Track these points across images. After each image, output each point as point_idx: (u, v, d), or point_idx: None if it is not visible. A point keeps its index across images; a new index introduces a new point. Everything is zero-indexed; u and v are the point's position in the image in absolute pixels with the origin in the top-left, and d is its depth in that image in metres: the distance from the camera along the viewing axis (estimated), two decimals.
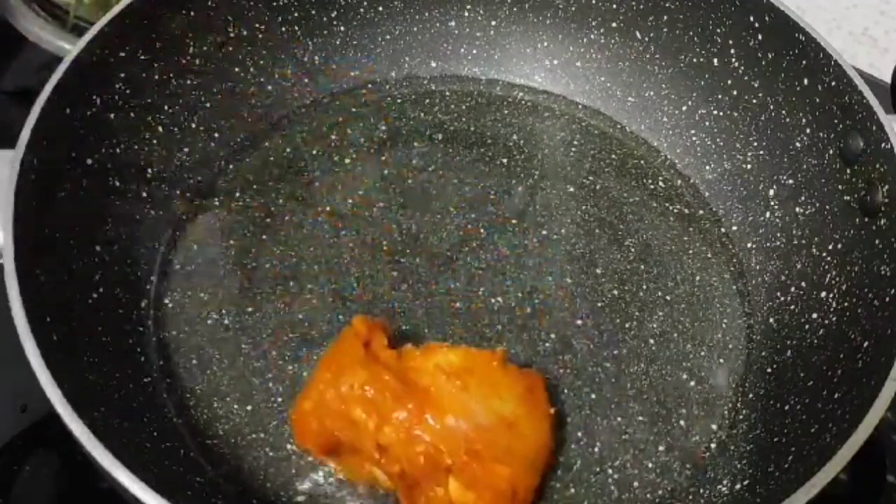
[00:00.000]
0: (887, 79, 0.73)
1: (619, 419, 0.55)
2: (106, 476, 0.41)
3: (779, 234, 0.62)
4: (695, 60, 0.68)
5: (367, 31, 0.72)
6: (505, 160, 0.69)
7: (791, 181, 0.62)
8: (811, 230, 0.60)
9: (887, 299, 0.50)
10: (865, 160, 0.55)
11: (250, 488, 0.51)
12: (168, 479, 0.48)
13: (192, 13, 0.63)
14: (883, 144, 0.53)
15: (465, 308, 0.60)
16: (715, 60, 0.67)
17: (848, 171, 0.57)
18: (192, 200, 0.64)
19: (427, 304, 0.60)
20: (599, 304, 0.61)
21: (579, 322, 0.60)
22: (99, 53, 0.57)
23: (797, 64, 0.60)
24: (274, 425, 0.54)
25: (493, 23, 0.74)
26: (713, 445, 0.55)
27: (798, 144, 0.61)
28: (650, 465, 0.54)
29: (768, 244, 0.63)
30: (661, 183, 0.68)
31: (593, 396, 0.56)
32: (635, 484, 0.53)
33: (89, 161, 0.56)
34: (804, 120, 0.61)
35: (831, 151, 0.58)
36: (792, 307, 0.59)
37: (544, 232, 0.64)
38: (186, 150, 0.65)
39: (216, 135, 0.67)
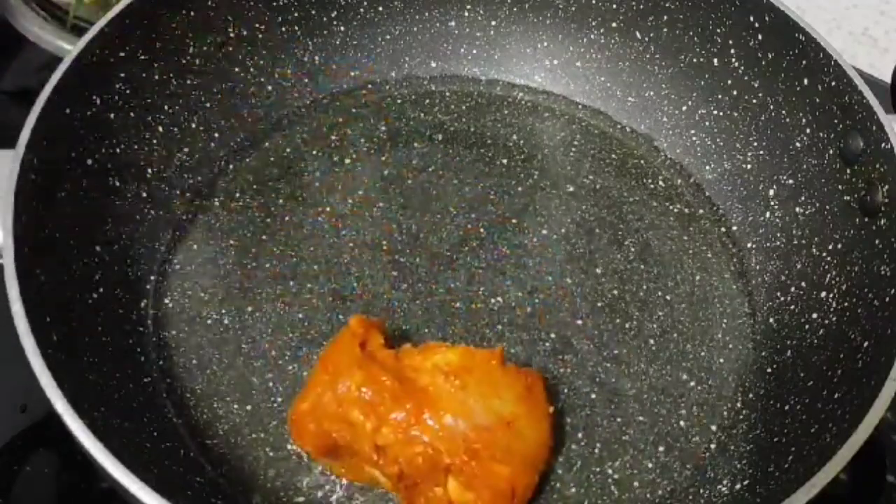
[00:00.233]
0: (887, 79, 0.73)
1: (619, 419, 0.55)
2: (106, 476, 0.41)
3: (779, 234, 0.62)
4: (695, 60, 0.68)
5: (367, 31, 0.72)
6: (505, 160, 0.69)
7: (791, 181, 0.62)
8: (811, 230, 0.60)
9: (887, 299, 0.50)
10: (865, 160, 0.55)
11: (250, 488, 0.51)
12: (168, 479, 0.48)
13: (192, 13, 0.63)
14: (883, 144, 0.53)
15: (465, 308, 0.60)
16: (715, 60, 0.67)
17: (848, 171, 0.57)
18: (192, 200, 0.64)
19: (427, 303, 0.60)
20: (599, 304, 0.61)
21: (579, 322, 0.60)
22: (99, 53, 0.57)
23: (797, 64, 0.60)
24: (274, 425, 0.54)
25: (493, 23, 0.74)
26: (713, 445, 0.55)
27: (798, 144, 0.61)
28: (650, 465, 0.54)
29: (768, 244, 0.63)
30: (661, 183, 0.68)
31: (593, 396, 0.56)
32: (635, 484, 0.53)
33: (89, 161, 0.56)
34: (804, 120, 0.61)
35: (831, 151, 0.58)
36: (792, 307, 0.59)
37: (544, 232, 0.64)
38: (186, 150, 0.65)
39: (216, 135, 0.67)
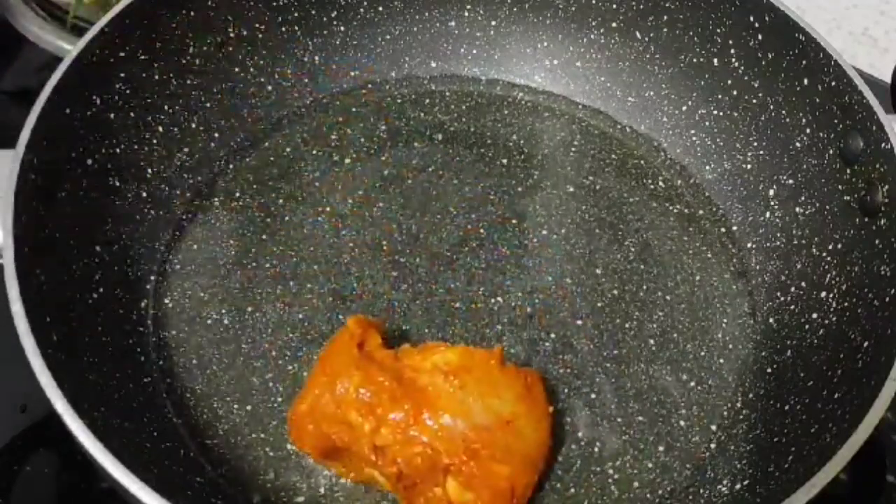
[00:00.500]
0: (887, 79, 0.73)
1: (619, 419, 0.55)
2: (106, 476, 0.41)
3: (779, 234, 0.62)
4: (695, 60, 0.68)
5: (367, 31, 0.72)
6: (505, 160, 0.69)
7: (791, 181, 0.62)
8: (811, 230, 0.60)
9: (887, 299, 0.50)
10: (865, 160, 0.55)
11: (250, 488, 0.51)
12: (168, 479, 0.48)
13: (192, 13, 0.63)
14: (883, 144, 0.53)
15: (465, 308, 0.60)
16: (715, 60, 0.67)
17: (848, 171, 0.57)
18: (192, 200, 0.64)
19: (427, 303, 0.60)
20: (599, 304, 0.61)
21: (579, 322, 0.60)
22: (99, 53, 0.57)
23: (797, 64, 0.60)
24: (274, 425, 0.54)
25: (493, 23, 0.74)
26: (713, 445, 0.55)
27: (798, 144, 0.61)
28: (650, 465, 0.54)
29: (768, 244, 0.63)
30: (661, 183, 0.68)
31: (593, 396, 0.56)
32: (635, 484, 0.53)
33: (89, 161, 0.56)
34: (804, 120, 0.61)
35: (831, 151, 0.58)
36: (792, 307, 0.59)
37: (544, 232, 0.64)
38: (186, 150, 0.65)
39: (216, 135, 0.67)
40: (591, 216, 0.66)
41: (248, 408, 0.55)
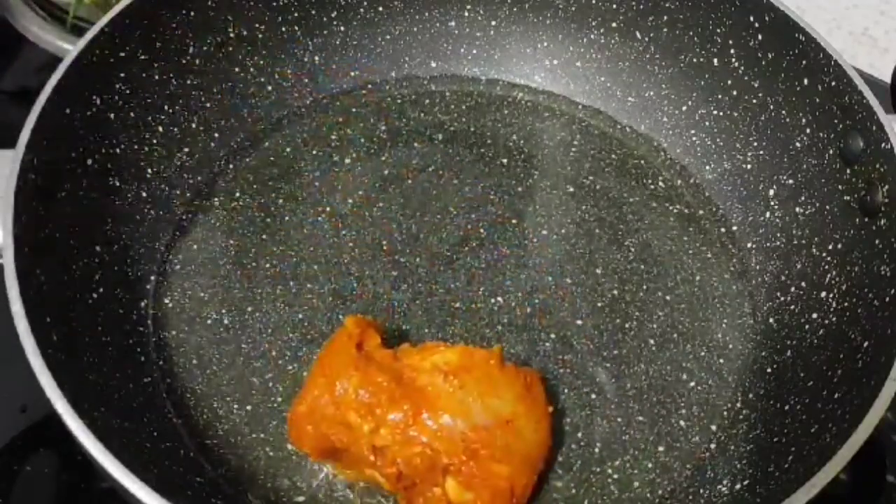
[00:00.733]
0: (887, 79, 0.73)
1: (619, 419, 0.55)
2: (106, 476, 0.41)
3: (779, 234, 0.62)
4: (695, 60, 0.68)
5: (367, 31, 0.72)
6: (505, 160, 0.69)
7: (791, 181, 0.62)
8: (811, 230, 0.60)
9: (887, 299, 0.50)
10: (865, 160, 0.55)
11: (250, 488, 0.51)
12: (168, 479, 0.48)
13: (192, 13, 0.63)
14: (883, 144, 0.53)
15: (465, 308, 0.60)
16: (715, 60, 0.67)
17: (848, 171, 0.57)
18: (192, 200, 0.64)
19: (427, 303, 0.60)
20: (599, 304, 0.61)
21: (579, 322, 0.60)
22: (99, 53, 0.57)
23: (797, 64, 0.60)
24: (274, 425, 0.54)
25: (493, 23, 0.74)
26: (713, 445, 0.55)
27: (798, 144, 0.61)
28: (650, 465, 0.54)
29: (768, 244, 0.63)
30: (661, 183, 0.68)
31: (593, 396, 0.56)
32: (635, 484, 0.53)
33: (89, 161, 0.56)
34: (804, 120, 0.61)
35: (831, 151, 0.58)
36: (792, 307, 0.59)
37: (544, 232, 0.64)
38: (186, 150, 0.65)
39: (216, 135, 0.67)
40: (591, 216, 0.66)
41: (248, 408, 0.55)
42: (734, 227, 0.66)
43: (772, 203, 0.63)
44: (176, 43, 0.63)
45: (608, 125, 0.72)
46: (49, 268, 0.50)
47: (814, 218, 0.60)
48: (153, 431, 0.51)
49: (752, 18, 0.63)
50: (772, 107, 0.63)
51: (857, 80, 0.55)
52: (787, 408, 0.53)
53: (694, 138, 0.69)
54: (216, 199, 0.65)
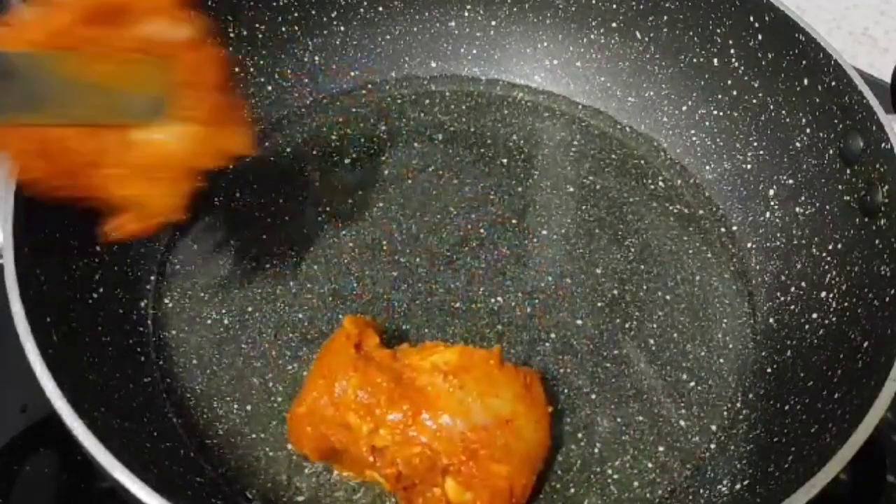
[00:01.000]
0: (887, 79, 0.73)
1: (619, 419, 0.55)
2: (106, 476, 0.41)
3: (779, 234, 0.62)
4: (695, 60, 0.68)
5: (367, 31, 0.72)
6: (505, 160, 0.69)
7: (791, 181, 0.62)
8: (811, 230, 0.60)
9: (887, 299, 0.50)
10: (865, 160, 0.55)
11: (250, 488, 0.51)
12: (168, 479, 0.48)
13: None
14: (883, 144, 0.53)
15: (465, 308, 0.60)
16: (715, 60, 0.67)
17: (848, 171, 0.57)
18: (192, 200, 0.64)
19: (427, 303, 0.60)
20: (599, 304, 0.61)
21: (579, 322, 0.60)
22: None
23: (797, 64, 0.60)
24: (274, 425, 0.54)
25: (493, 23, 0.74)
26: (713, 445, 0.55)
27: (798, 144, 0.61)
28: (650, 465, 0.54)
29: (768, 244, 0.63)
30: (661, 183, 0.68)
31: (593, 396, 0.56)
32: (635, 484, 0.53)
33: None
34: (804, 120, 0.61)
35: (831, 151, 0.58)
36: (792, 307, 0.59)
37: (544, 232, 0.64)
38: None
39: None
40: (591, 216, 0.66)
41: (248, 408, 0.54)
42: (734, 227, 0.66)
43: (772, 203, 0.63)
44: None
45: (608, 125, 0.72)
46: (49, 268, 0.50)
47: (814, 218, 0.60)
48: (153, 431, 0.51)
49: (752, 18, 0.63)
50: (772, 107, 0.63)
51: (857, 80, 0.55)
52: (787, 408, 0.53)
53: (694, 138, 0.69)
54: (216, 199, 0.65)
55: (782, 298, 0.60)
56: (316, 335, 0.58)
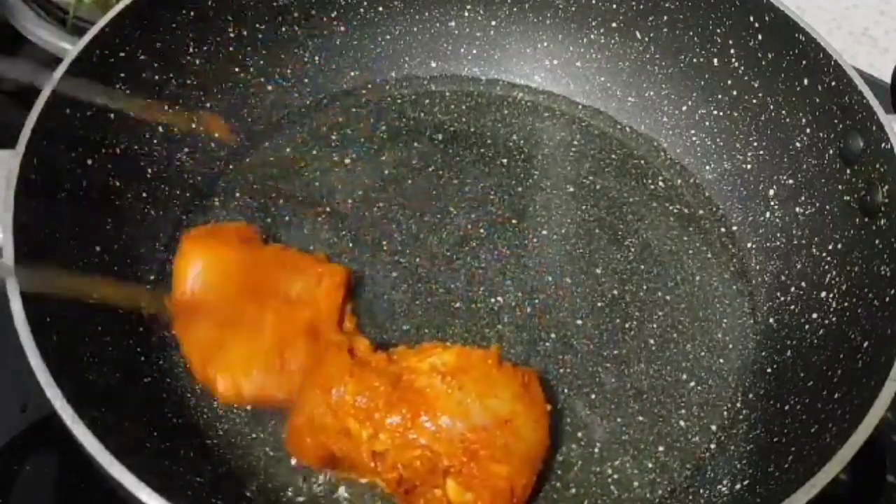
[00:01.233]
0: (887, 79, 0.73)
1: (619, 419, 0.55)
2: (106, 476, 0.41)
3: (779, 234, 0.62)
4: (695, 60, 0.68)
5: (367, 31, 0.72)
6: (505, 160, 0.69)
7: (791, 181, 0.62)
8: (811, 230, 0.60)
9: (887, 299, 0.50)
10: (865, 160, 0.55)
11: (250, 488, 0.51)
12: (168, 479, 0.48)
13: (192, 13, 0.63)
14: (883, 144, 0.53)
15: (465, 308, 0.60)
16: (715, 60, 0.67)
17: (848, 171, 0.57)
18: (192, 200, 0.64)
19: (427, 304, 0.60)
20: (599, 304, 0.61)
21: (579, 322, 0.60)
22: (99, 53, 0.57)
23: (797, 64, 0.60)
24: (274, 425, 0.54)
25: (493, 23, 0.74)
26: (713, 445, 0.55)
27: (798, 144, 0.61)
28: (650, 465, 0.54)
29: (768, 244, 0.63)
30: (661, 183, 0.68)
31: (593, 396, 0.56)
32: (635, 484, 0.53)
33: (89, 161, 0.56)
34: (804, 120, 0.61)
35: (831, 151, 0.58)
36: (792, 307, 0.59)
37: (544, 232, 0.64)
38: (186, 150, 0.65)
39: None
40: (591, 216, 0.66)
41: (248, 407, 0.54)
42: (734, 227, 0.66)
43: (772, 203, 0.63)
44: (176, 43, 0.63)
45: (608, 125, 0.72)
46: (49, 267, 0.50)
47: (814, 218, 0.60)
48: (153, 431, 0.51)
49: (752, 18, 0.63)
50: (772, 107, 0.63)
51: (857, 80, 0.55)
52: (787, 408, 0.53)
53: (694, 138, 0.69)
54: (216, 199, 0.65)
55: (782, 298, 0.60)
56: None
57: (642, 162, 0.70)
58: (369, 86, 0.73)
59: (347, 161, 0.68)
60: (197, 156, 0.65)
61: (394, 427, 0.48)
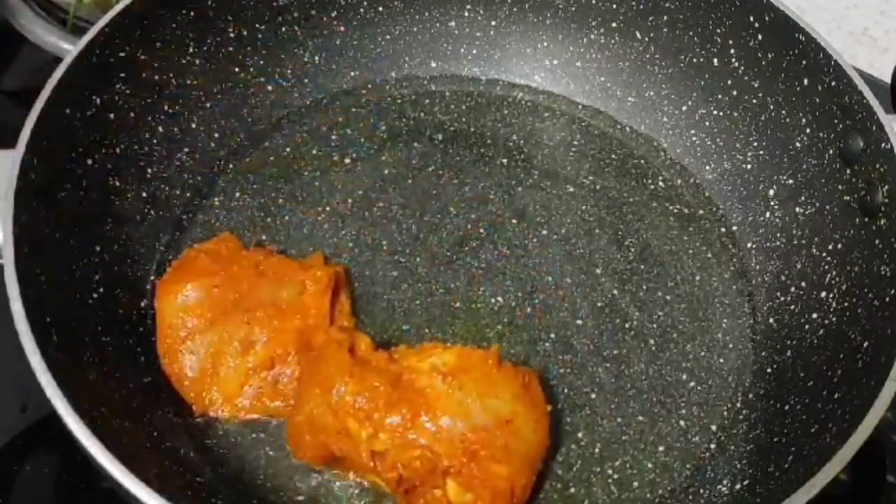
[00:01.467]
0: (887, 79, 0.73)
1: (619, 419, 0.55)
2: (106, 476, 0.41)
3: (779, 234, 0.62)
4: (695, 60, 0.68)
5: (367, 31, 0.72)
6: (505, 160, 0.69)
7: (791, 181, 0.62)
8: (811, 230, 0.60)
9: (887, 299, 0.50)
10: (865, 160, 0.55)
11: (250, 488, 0.51)
12: (168, 479, 0.48)
13: (192, 13, 0.63)
14: (883, 144, 0.53)
15: (465, 308, 0.60)
16: (715, 60, 0.67)
17: (848, 171, 0.57)
18: (192, 200, 0.64)
19: (427, 303, 0.60)
20: (599, 304, 0.61)
21: (579, 322, 0.60)
22: (99, 53, 0.57)
23: (797, 64, 0.60)
24: (274, 425, 0.54)
25: (493, 23, 0.74)
26: (713, 445, 0.55)
27: (798, 144, 0.61)
28: (650, 465, 0.54)
29: (768, 244, 0.63)
30: (661, 183, 0.68)
31: (593, 396, 0.56)
32: (635, 484, 0.53)
33: (89, 161, 0.56)
34: (804, 120, 0.61)
35: (831, 151, 0.58)
36: (792, 307, 0.59)
37: (544, 232, 0.64)
38: (186, 150, 0.65)
39: (216, 135, 0.67)
40: (591, 216, 0.66)
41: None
42: (734, 227, 0.66)
43: (772, 203, 0.63)
44: (176, 43, 0.63)
45: (608, 125, 0.72)
46: (49, 268, 0.50)
47: (814, 218, 0.60)
48: (153, 431, 0.51)
49: (752, 18, 0.63)
50: (772, 107, 0.63)
51: (857, 80, 0.55)
52: (787, 408, 0.53)
53: (694, 138, 0.69)
54: (216, 199, 0.65)
55: (782, 298, 0.60)
56: None
57: (642, 162, 0.70)
58: (369, 86, 0.73)
59: (347, 161, 0.68)
60: (197, 156, 0.65)
61: (394, 427, 0.48)
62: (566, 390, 0.56)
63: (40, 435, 0.56)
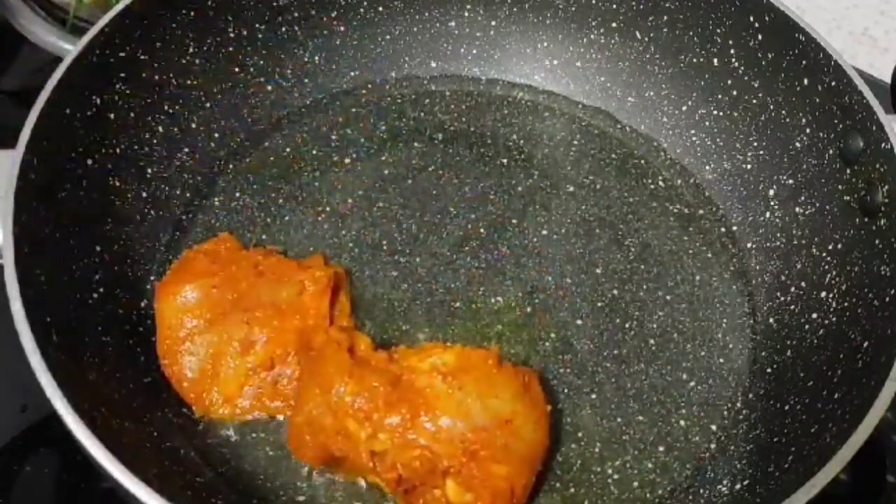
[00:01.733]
0: (887, 79, 0.73)
1: (619, 419, 0.55)
2: (106, 476, 0.41)
3: (779, 234, 0.62)
4: (695, 60, 0.68)
5: (367, 31, 0.72)
6: (505, 160, 0.69)
7: (791, 181, 0.62)
8: (811, 230, 0.60)
9: (887, 299, 0.50)
10: (865, 160, 0.55)
11: (250, 488, 0.51)
12: (168, 479, 0.48)
13: (192, 13, 0.63)
14: (883, 144, 0.53)
15: (465, 308, 0.60)
16: (715, 60, 0.67)
17: (848, 171, 0.57)
18: (192, 200, 0.64)
19: (427, 303, 0.60)
20: (599, 304, 0.61)
21: (579, 322, 0.60)
22: (99, 53, 0.57)
23: (797, 64, 0.60)
24: (274, 425, 0.54)
25: (493, 23, 0.74)
26: (713, 445, 0.55)
27: (798, 144, 0.61)
28: (650, 465, 0.54)
29: (768, 244, 0.63)
30: (661, 183, 0.68)
31: (593, 396, 0.56)
32: (635, 484, 0.53)
33: (89, 161, 0.56)
34: (804, 120, 0.61)
35: (831, 151, 0.58)
36: (792, 307, 0.59)
37: (544, 232, 0.64)
38: (186, 150, 0.65)
39: (216, 135, 0.67)
40: (591, 216, 0.66)
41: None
42: (734, 227, 0.66)
43: (772, 203, 0.63)
44: (176, 43, 0.63)
45: (608, 125, 0.72)
46: (49, 268, 0.50)
47: (814, 218, 0.60)
48: (153, 431, 0.51)
49: (752, 18, 0.63)
50: (772, 107, 0.63)
51: (857, 80, 0.55)
52: (787, 408, 0.53)
53: (694, 138, 0.69)
54: (216, 199, 0.65)
55: (782, 298, 0.60)
56: None
57: (642, 162, 0.70)
58: (369, 86, 0.73)
59: (347, 161, 0.68)
60: (197, 156, 0.65)
61: (393, 427, 0.48)
62: (566, 390, 0.56)
63: (40, 435, 0.56)
